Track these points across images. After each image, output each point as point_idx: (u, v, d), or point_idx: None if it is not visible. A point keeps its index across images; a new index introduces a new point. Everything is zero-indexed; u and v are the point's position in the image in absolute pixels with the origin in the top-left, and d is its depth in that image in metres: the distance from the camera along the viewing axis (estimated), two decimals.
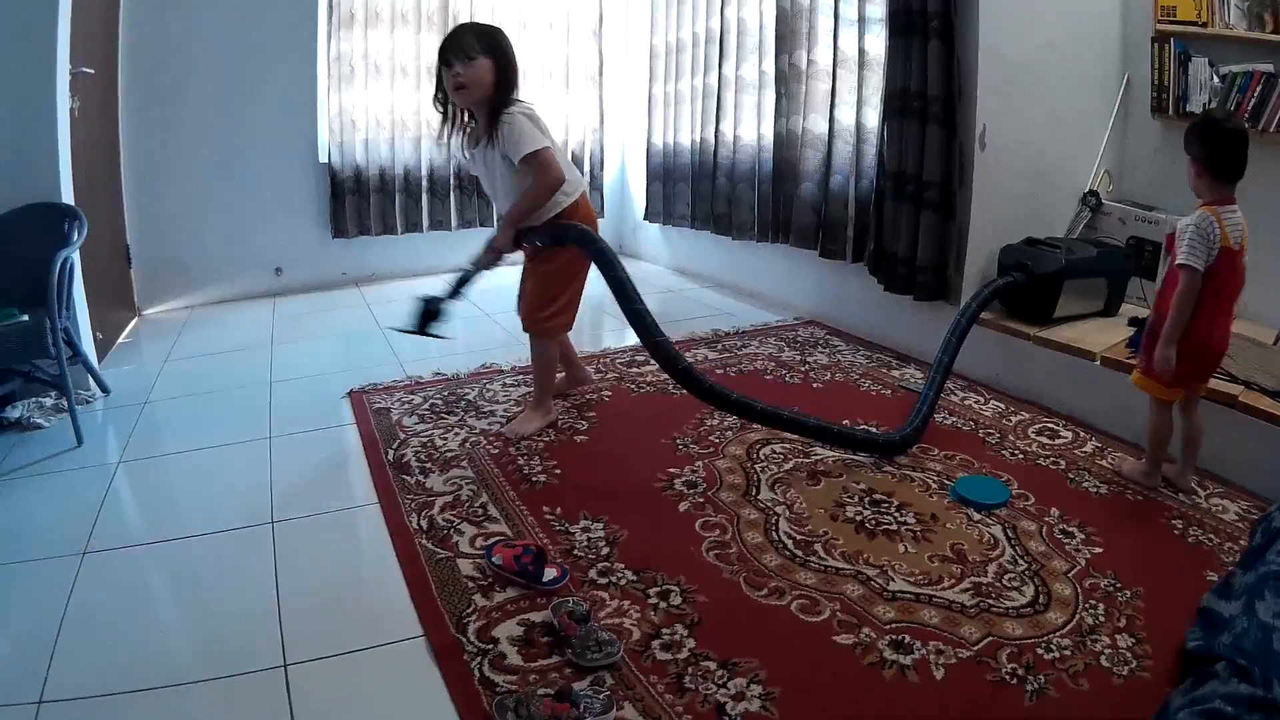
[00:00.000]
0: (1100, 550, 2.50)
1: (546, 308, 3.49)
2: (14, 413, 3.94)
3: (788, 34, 5.08)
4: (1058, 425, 3.42)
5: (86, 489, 3.26)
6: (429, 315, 3.41)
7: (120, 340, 5.30)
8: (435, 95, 3.35)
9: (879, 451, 3.18)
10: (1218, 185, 2.70)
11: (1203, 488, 2.88)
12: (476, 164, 3.46)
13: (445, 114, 3.36)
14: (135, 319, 5.83)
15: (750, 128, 5.51)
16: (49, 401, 4.06)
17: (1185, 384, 2.82)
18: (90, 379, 4.23)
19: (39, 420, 3.90)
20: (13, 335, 3.56)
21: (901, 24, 4.12)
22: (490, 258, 3.46)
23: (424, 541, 2.69)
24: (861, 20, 4.51)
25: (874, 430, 3.38)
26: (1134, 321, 3.57)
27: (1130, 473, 3.01)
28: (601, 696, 1.92)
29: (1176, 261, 2.69)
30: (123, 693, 2.10)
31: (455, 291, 3.45)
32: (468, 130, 3.39)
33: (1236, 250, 2.69)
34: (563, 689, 1.92)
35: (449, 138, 3.42)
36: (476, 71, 3.15)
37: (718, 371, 4.16)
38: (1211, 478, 2.95)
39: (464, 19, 6.46)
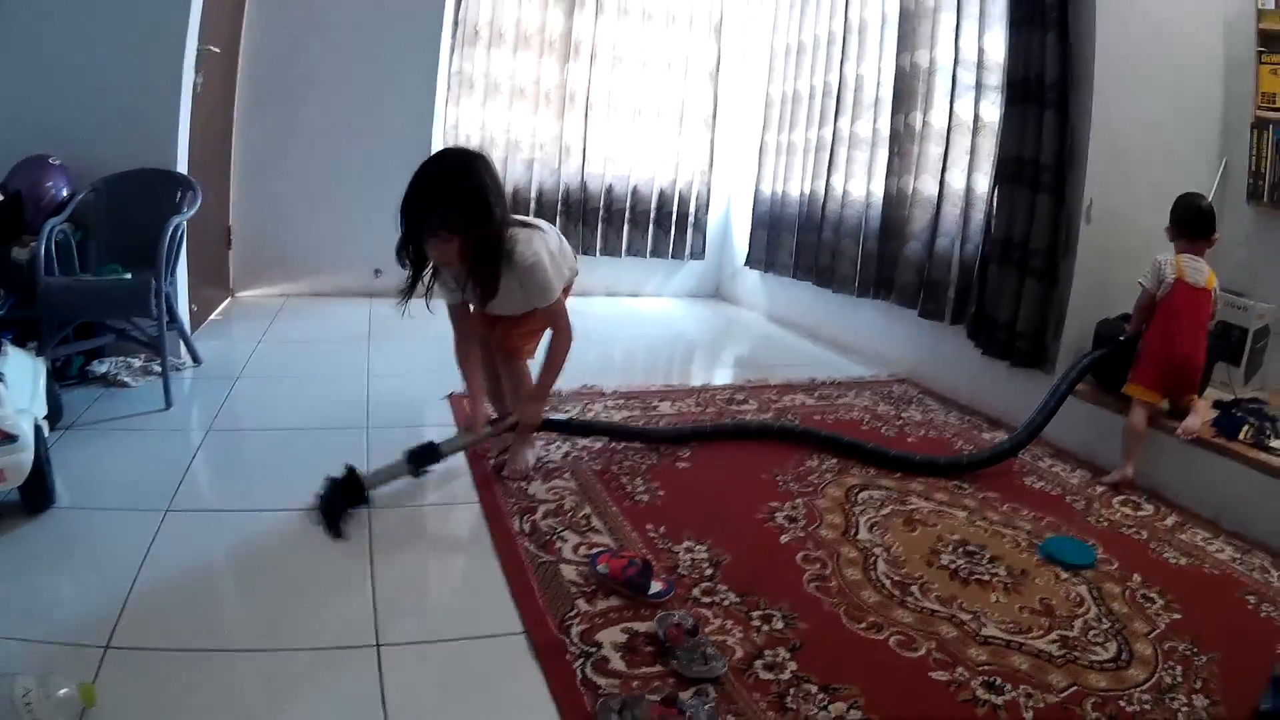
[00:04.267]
0: (1179, 617, 2.61)
1: (533, 339, 3.40)
2: (101, 367, 4.12)
3: (905, 94, 5.24)
4: (1140, 499, 3.53)
5: (173, 450, 3.38)
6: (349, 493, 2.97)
7: (212, 317, 5.48)
8: (401, 252, 3.01)
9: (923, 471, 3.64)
10: (1184, 241, 3.69)
11: (1275, 568, 2.99)
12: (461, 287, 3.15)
13: (415, 272, 3.05)
14: (228, 299, 6.04)
15: (860, 184, 5.65)
16: (137, 362, 4.23)
17: (1158, 390, 3.64)
18: (183, 347, 4.38)
19: (126, 379, 4.06)
20: (115, 291, 3.74)
21: (1019, 93, 4.27)
22: (499, 431, 3.27)
23: (527, 544, 2.79)
24: (978, 86, 4.66)
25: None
26: (1218, 404, 3.69)
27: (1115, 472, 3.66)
28: (707, 706, 2.00)
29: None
30: (191, 650, 2.15)
31: (419, 468, 3.12)
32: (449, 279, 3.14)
33: (1197, 289, 3.59)
34: (669, 695, 2.01)
35: (423, 293, 3.11)
36: (457, 245, 2.91)
37: (815, 417, 4.29)
38: None
39: (585, 49, 6.76)
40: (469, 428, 3.23)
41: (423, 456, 3.08)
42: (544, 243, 3.10)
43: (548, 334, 3.30)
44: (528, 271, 3.00)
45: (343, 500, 2.90)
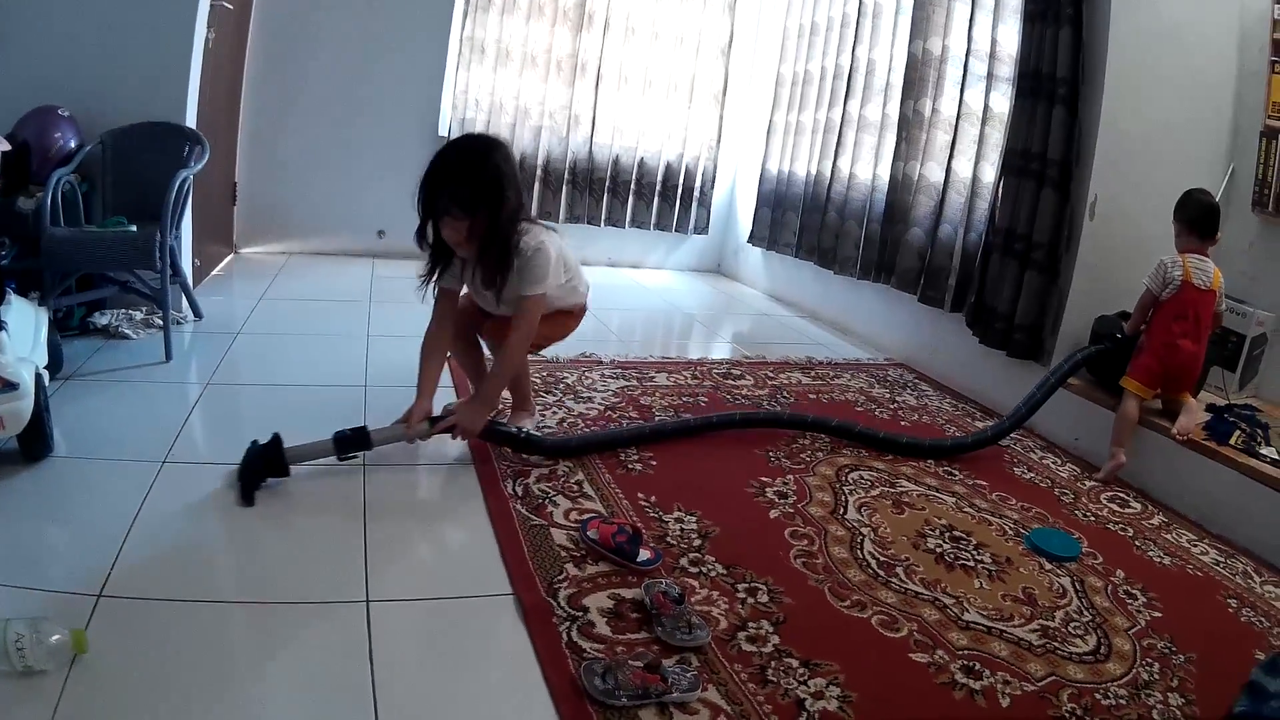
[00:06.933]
0: (1160, 615, 2.63)
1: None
2: (102, 319, 4.12)
3: (915, 81, 5.23)
4: (1128, 496, 3.56)
5: (171, 403, 3.41)
6: (270, 462, 2.82)
7: (215, 272, 5.47)
8: (420, 234, 2.95)
9: (901, 452, 3.68)
10: (1192, 241, 3.69)
11: (1258, 574, 3.02)
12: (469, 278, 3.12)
13: (435, 255, 3.02)
14: (231, 255, 6.03)
15: (866, 167, 5.65)
16: (138, 315, 4.23)
17: (1154, 387, 3.69)
18: (185, 301, 4.38)
19: (127, 331, 4.07)
20: (119, 243, 3.72)
21: (1029, 86, 4.26)
22: (436, 432, 3.07)
23: (518, 506, 2.81)
24: (989, 77, 4.65)
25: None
26: (1211, 408, 3.70)
27: (1108, 463, 3.66)
28: (689, 675, 2.03)
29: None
30: (183, 600, 2.15)
31: (344, 451, 2.92)
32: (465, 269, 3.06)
33: (1203, 290, 3.62)
34: (653, 661, 2.02)
35: (433, 283, 3.08)
36: (467, 226, 2.83)
37: (810, 397, 4.32)
38: (1268, 567, 3.09)
39: (599, 19, 6.74)
40: (406, 418, 3.02)
41: (351, 443, 2.92)
42: (557, 243, 3.05)
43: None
44: (530, 257, 2.92)
45: (264, 468, 2.78)
